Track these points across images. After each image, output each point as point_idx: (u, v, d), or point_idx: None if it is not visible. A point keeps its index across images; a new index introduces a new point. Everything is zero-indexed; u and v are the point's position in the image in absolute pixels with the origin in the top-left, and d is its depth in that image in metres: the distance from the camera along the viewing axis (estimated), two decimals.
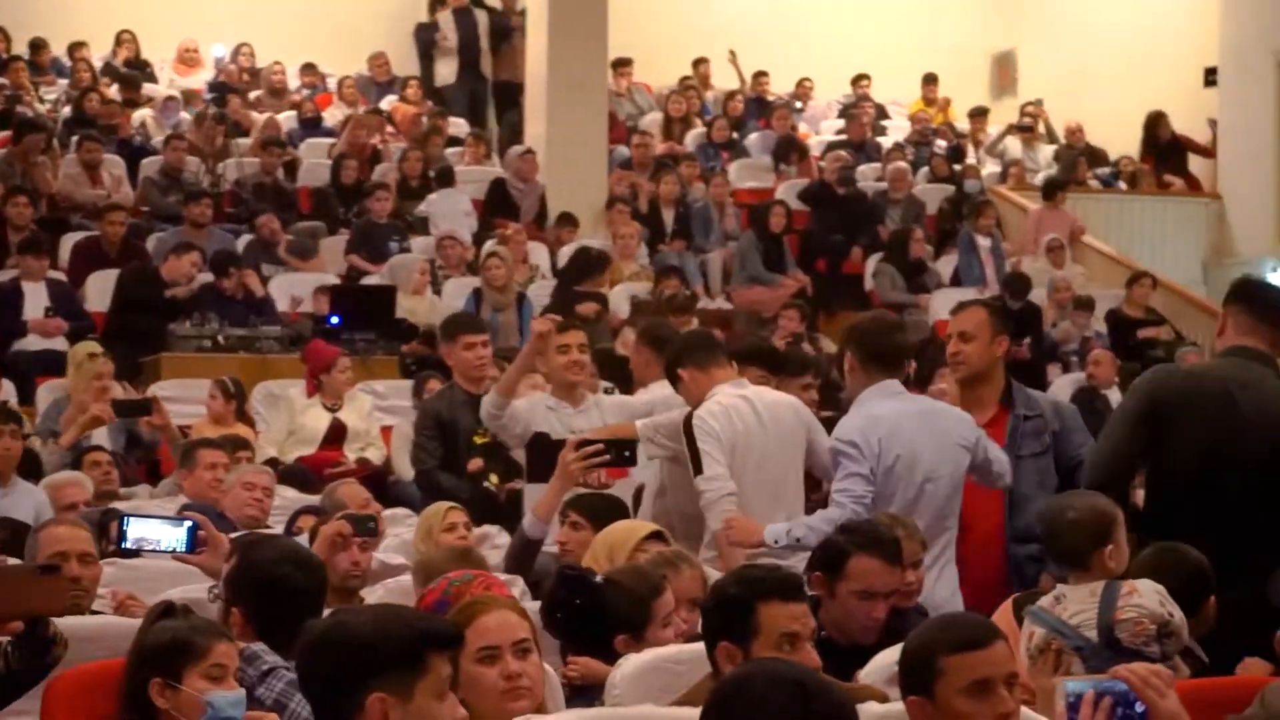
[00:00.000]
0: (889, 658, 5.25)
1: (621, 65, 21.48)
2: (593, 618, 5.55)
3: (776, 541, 6.90)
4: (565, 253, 16.93)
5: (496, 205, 17.91)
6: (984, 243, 18.22)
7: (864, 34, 24.35)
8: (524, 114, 19.86)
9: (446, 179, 17.91)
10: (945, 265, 18.49)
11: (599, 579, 5.66)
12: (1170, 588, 5.52)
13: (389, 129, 19.59)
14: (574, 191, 17.94)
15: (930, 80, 23.53)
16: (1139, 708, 3.45)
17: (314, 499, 9.27)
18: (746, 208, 19.23)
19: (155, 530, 6.09)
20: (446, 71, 21.17)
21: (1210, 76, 21.73)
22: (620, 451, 7.33)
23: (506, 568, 7.20)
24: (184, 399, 12.70)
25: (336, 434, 12.65)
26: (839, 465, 7.05)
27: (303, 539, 7.51)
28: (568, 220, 17.63)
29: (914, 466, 6.97)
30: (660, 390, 8.60)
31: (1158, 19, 22.85)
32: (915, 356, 10.01)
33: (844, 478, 6.99)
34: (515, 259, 16.31)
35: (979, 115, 22.91)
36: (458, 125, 20.19)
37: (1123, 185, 21.79)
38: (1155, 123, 21.82)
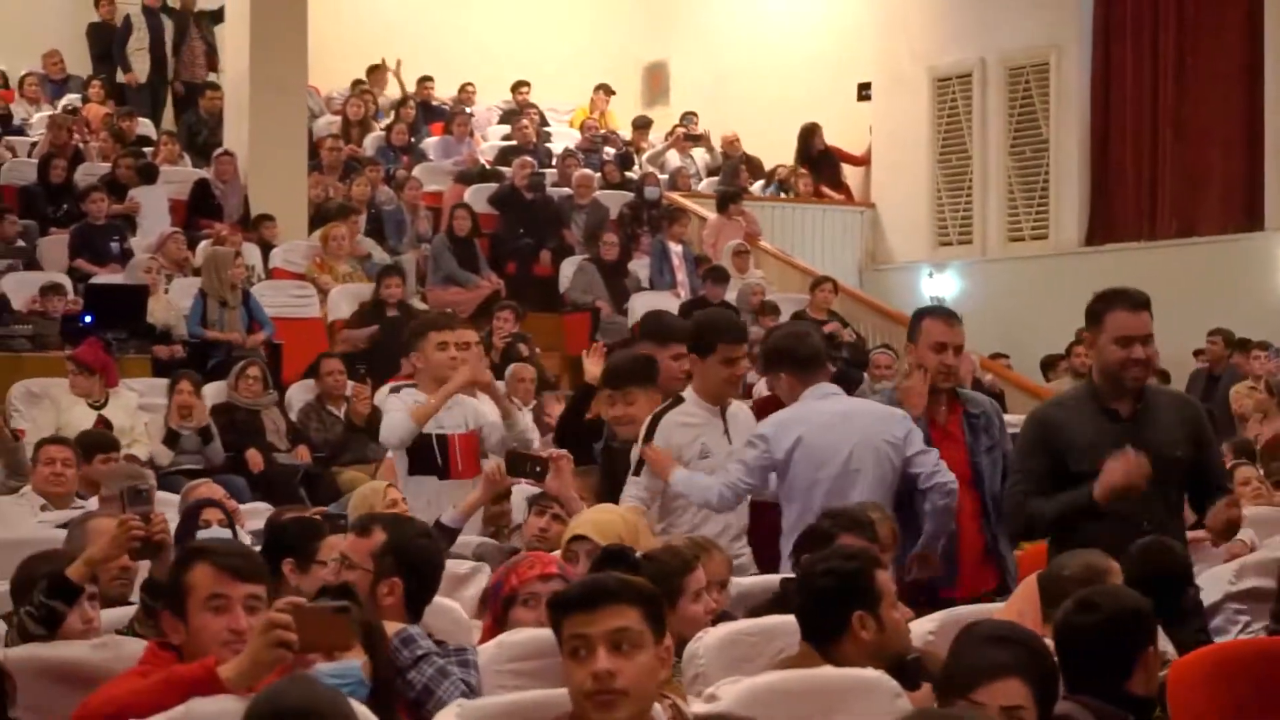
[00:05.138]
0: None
1: None
2: None
3: (675, 483, 7.56)
4: (277, 254, 17.06)
5: (200, 206, 17.85)
6: (676, 249, 18.77)
7: (523, 42, 24.80)
8: (200, 114, 19.91)
9: (149, 176, 17.77)
10: (635, 269, 18.90)
11: (638, 554, 6.06)
12: (1149, 576, 6.16)
13: (87, 129, 19.35)
14: (276, 192, 17.85)
15: (602, 89, 24.10)
16: None
17: None
18: (431, 211, 19.52)
19: None
20: (139, 70, 21.03)
21: (864, 91, 22.63)
22: (533, 467, 7.87)
23: None
24: None
25: None
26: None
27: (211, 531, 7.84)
28: (268, 221, 17.60)
29: (826, 463, 7.35)
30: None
31: (812, 34, 23.47)
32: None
33: (735, 462, 7.52)
34: None
35: (643, 125, 23.52)
36: (145, 125, 20.06)
37: (784, 194, 22.55)
38: (809, 134, 22.65)
